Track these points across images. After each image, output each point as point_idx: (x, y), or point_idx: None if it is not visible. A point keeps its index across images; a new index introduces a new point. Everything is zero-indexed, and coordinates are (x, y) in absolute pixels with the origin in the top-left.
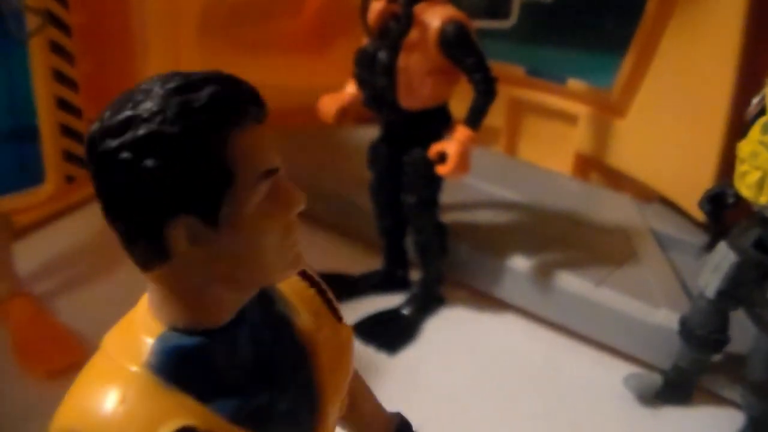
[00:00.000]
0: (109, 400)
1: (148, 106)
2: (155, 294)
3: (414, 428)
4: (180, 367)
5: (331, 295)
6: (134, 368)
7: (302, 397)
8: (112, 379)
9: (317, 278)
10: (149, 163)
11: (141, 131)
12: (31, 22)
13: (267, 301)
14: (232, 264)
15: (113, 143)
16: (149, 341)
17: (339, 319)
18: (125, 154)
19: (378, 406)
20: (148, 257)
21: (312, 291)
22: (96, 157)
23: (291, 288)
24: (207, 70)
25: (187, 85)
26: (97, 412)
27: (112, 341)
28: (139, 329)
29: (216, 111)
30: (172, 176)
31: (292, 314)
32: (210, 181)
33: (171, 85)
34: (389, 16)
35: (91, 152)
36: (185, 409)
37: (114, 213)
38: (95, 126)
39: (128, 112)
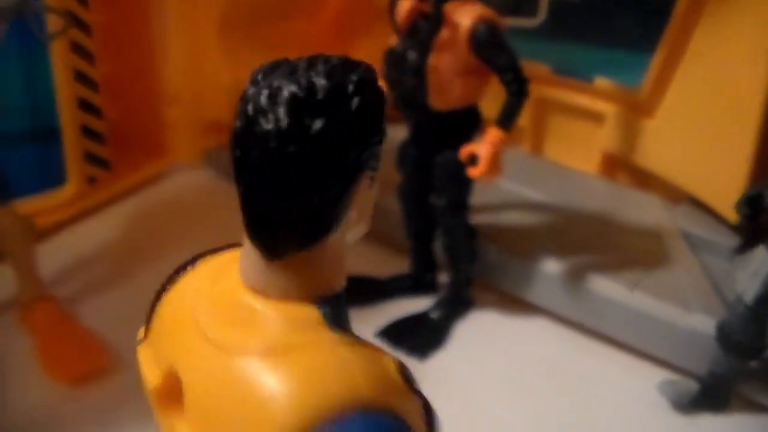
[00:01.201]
0: (351, 363)
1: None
2: (303, 272)
3: None
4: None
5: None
6: (327, 335)
7: None
8: (328, 350)
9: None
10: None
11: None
12: (53, 23)
13: None
14: (360, 220)
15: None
16: (315, 312)
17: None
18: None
19: None
20: (320, 226)
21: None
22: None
23: None
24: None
25: (346, 65)
26: (355, 375)
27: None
28: (282, 313)
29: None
30: (372, 134)
31: None
32: (380, 134)
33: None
34: (418, 15)
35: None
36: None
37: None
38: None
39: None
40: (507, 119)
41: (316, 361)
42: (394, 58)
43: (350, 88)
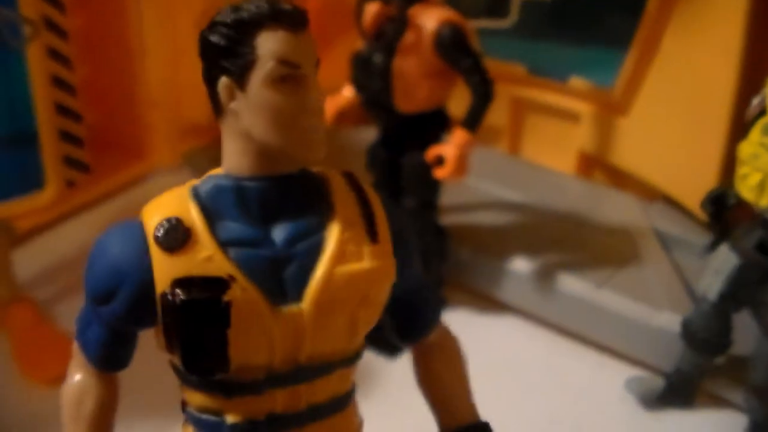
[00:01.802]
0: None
1: (226, 10)
2: (222, 146)
3: None
4: (208, 194)
5: (379, 216)
6: (186, 187)
7: (294, 277)
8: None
9: (369, 194)
10: (212, 37)
11: (215, 20)
12: (27, 30)
13: (311, 187)
14: (254, 121)
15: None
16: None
17: (374, 240)
18: (204, 32)
19: (462, 390)
20: (214, 108)
21: (355, 202)
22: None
23: (341, 191)
24: None
25: (246, 2)
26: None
27: None
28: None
29: (252, 16)
30: (221, 47)
31: (329, 210)
32: (240, 54)
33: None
34: (385, 19)
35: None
36: (187, 212)
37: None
38: None
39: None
40: (473, 121)
41: None
42: (360, 62)
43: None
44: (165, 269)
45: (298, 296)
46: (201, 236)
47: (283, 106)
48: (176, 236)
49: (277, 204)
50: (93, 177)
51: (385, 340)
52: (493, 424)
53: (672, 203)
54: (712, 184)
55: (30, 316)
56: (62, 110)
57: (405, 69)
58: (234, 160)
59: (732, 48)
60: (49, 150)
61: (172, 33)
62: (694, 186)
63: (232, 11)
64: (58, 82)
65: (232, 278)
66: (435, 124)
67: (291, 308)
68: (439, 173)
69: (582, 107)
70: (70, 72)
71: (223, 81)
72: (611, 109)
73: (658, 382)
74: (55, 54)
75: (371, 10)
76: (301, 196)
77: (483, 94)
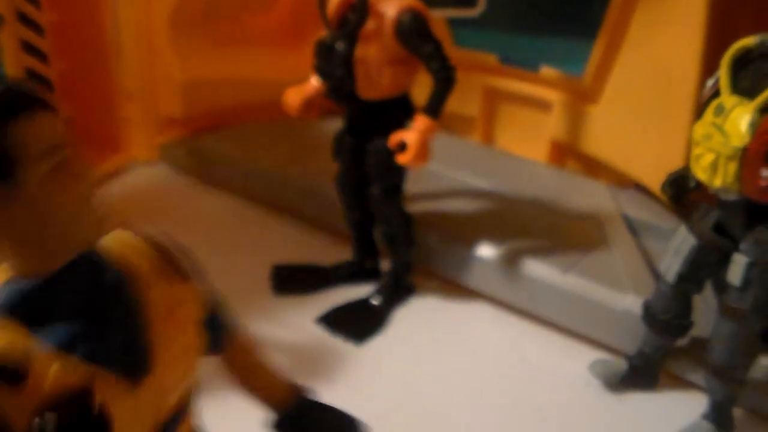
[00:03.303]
0: None
1: None
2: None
3: (366, 420)
4: (14, 304)
5: (174, 256)
6: None
7: (129, 346)
8: None
9: (158, 241)
10: None
11: None
12: None
13: (97, 261)
14: (36, 222)
15: None
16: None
17: (183, 278)
18: None
19: (273, 380)
20: None
21: (150, 251)
22: None
23: (127, 248)
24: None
25: None
26: None
27: None
28: None
29: None
30: None
31: (127, 273)
32: None
33: None
34: (347, 7)
35: None
36: (8, 336)
37: None
38: None
39: None
40: (434, 107)
41: None
42: (323, 50)
43: None
44: (16, 406)
45: (147, 370)
46: (36, 358)
47: (63, 196)
48: (10, 372)
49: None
50: None
51: (349, 325)
52: (459, 408)
53: (643, 190)
54: None
55: None
56: None
57: (367, 56)
58: (23, 263)
59: (694, 36)
60: None
61: (147, 27)
62: (661, 172)
63: None
64: (34, 77)
65: (91, 379)
66: (399, 111)
67: (148, 380)
68: (402, 159)
69: (553, 96)
70: (45, 66)
71: None
72: (582, 98)
73: (621, 365)
74: (30, 48)
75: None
76: (102, 280)
77: (444, 80)
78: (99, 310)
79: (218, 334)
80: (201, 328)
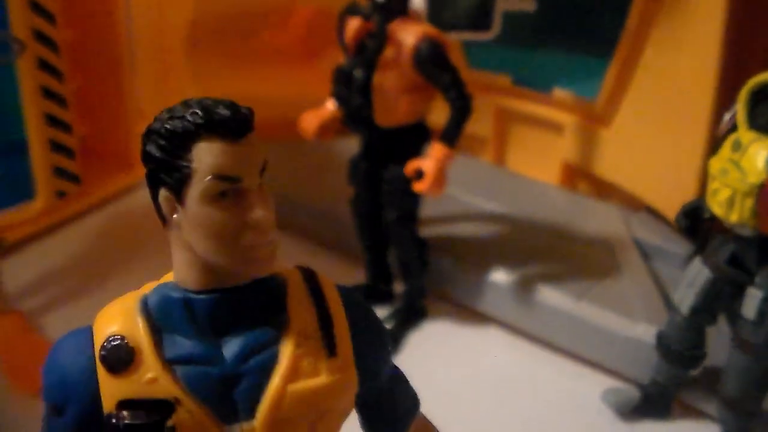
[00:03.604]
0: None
1: (163, 115)
2: (172, 256)
3: None
4: (157, 307)
5: (338, 323)
6: (137, 296)
7: (246, 395)
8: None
9: (328, 295)
10: (148, 147)
11: (151, 127)
12: (16, 47)
13: (265, 296)
14: (194, 237)
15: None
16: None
17: (331, 353)
18: (143, 138)
19: None
20: (159, 217)
21: (313, 311)
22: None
23: (298, 297)
24: (208, 98)
25: (183, 105)
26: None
27: None
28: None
29: (185, 128)
30: (157, 159)
31: (284, 321)
32: (175, 168)
33: (181, 104)
34: (365, 34)
35: None
36: (134, 328)
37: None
38: None
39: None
40: (451, 136)
41: None
42: (341, 76)
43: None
44: (110, 389)
45: (250, 415)
46: (146, 356)
47: (221, 223)
48: (120, 357)
49: (228, 318)
50: (83, 187)
51: None
52: None
53: (655, 213)
54: (691, 195)
55: (18, 328)
56: (53, 121)
57: (385, 84)
58: (182, 272)
59: (710, 61)
60: (40, 161)
61: (161, 45)
62: (674, 196)
63: (167, 118)
64: (49, 94)
65: (177, 401)
66: (415, 138)
67: (243, 427)
68: (418, 187)
69: (565, 118)
70: (60, 84)
71: (163, 193)
72: (594, 121)
73: (634, 393)
74: (45, 66)
75: (352, 25)
76: (253, 309)
77: (461, 109)
78: (235, 339)
79: (386, 419)
80: (342, 411)
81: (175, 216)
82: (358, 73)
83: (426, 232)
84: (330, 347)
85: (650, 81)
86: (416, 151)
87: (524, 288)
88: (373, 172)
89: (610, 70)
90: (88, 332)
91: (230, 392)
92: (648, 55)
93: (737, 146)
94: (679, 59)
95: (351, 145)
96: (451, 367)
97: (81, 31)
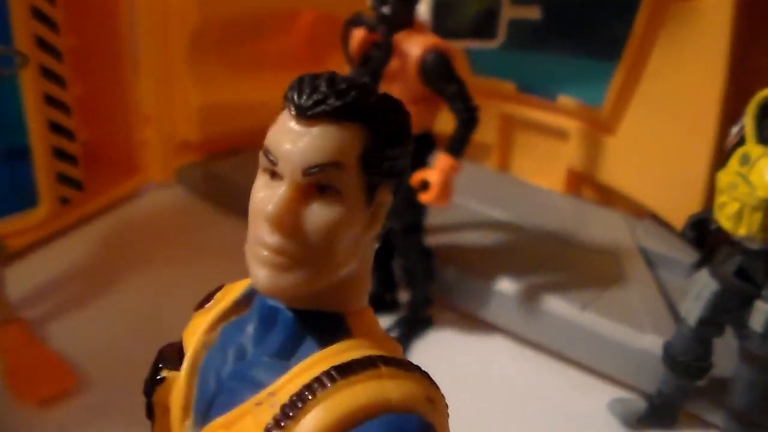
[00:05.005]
0: None
1: None
2: None
3: None
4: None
5: (298, 414)
6: None
7: (216, 406)
8: None
9: (328, 372)
10: None
11: None
12: (19, 60)
13: (311, 331)
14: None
15: None
16: None
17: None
18: None
19: None
20: None
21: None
22: None
23: (310, 368)
24: (335, 74)
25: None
26: None
27: None
28: None
29: (287, 91)
30: None
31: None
32: None
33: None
34: (370, 45)
35: None
36: (234, 288)
37: None
38: None
39: None
40: (457, 147)
41: None
42: None
43: None
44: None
45: (202, 423)
46: (213, 312)
47: (252, 199)
48: (207, 298)
49: (267, 330)
50: (86, 194)
51: None
52: None
53: (660, 221)
54: (697, 202)
55: (21, 337)
56: (56, 128)
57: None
58: None
59: (717, 68)
60: (43, 167)
61: (165, 51)
62: (680, 204)
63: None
64: (52, 101)
65: (170, 366)
66: (421, 149)
67: (193, 430)
68: (424, 198)
69: (570, 125)
70: (63, 90)
71: None
72: (599, 128)
73: (641, 404)
74: (48, 73)
75: (357, 36)
76: (289, 336)
77: (467, 121)
78: (256, 353)
79: None
80: None
81: None
82: None
83: (430, 240)
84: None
85: (656, 88)
86: (422, 162)
87: (529, 297)
88: None
89: (616, 77)
90: None
91: (213, 397)
92: (654, 62)
93: (745, 160)
94: (685, 66)
95: None
96: (456, 377)
97: (84, 38)
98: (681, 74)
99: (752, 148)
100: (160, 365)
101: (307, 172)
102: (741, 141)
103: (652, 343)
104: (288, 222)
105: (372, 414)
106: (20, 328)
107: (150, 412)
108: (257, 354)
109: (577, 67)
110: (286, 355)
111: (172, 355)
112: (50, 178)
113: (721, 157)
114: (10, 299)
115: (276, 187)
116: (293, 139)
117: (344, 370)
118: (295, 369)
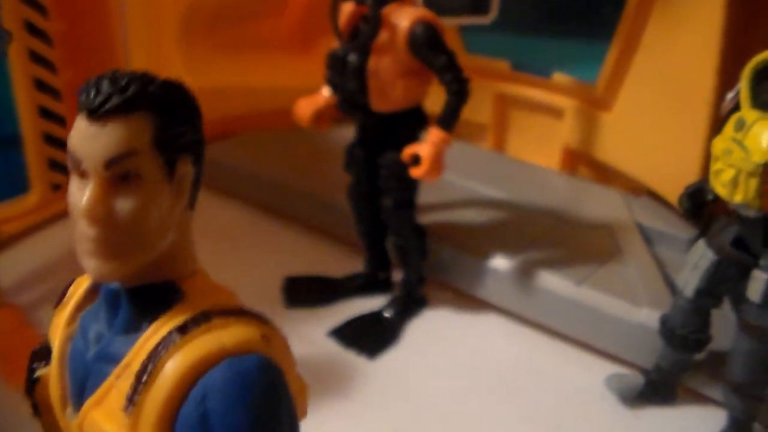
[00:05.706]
0: None
1: None
2: None
3: None
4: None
5: (150, 378)
6: None
7: (88, 390)
8: None
9: (152, 365)
10: None
11: None
12: (4, 38)
13: (151, 305)
14: None
15: None
16: None
17: (127, 407)
18: None
19: None
20: None
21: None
22: None
23: (154, 334)
24: (118, 71)
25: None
26: None
27: None
28: None
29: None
30: None
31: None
32: None
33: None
34: (359, 19)
35: None
36: (84, 281)
37: None
38: None
39: None
40: (448, 120)
41: None
42: (335, 62)
43: None
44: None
45: (78, 408)
46: (69, 305)
47: (70, 203)
48: (61, 296)
49: (115, 311)
50: None
51: (362, 338)
52: (473, 422)
53: (657, 198)
54: (694, 178)
55: (13, 322)
56: (46, 114)
57: (380, 68)
58: None
59: (711, 43)
60: (34, 154)
61: (156, 36)
62: (676, 180)
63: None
64: (42, 86)
65: (44, 364)
66: (412, 123)
67: (71, 418)
68: (415, 172)
69: (566, 103)
70: (53, 75)
71: None
72: (595, 105)
73: (638, 379)
74: (38, 58)
75: (346, 10)
76: (133, 312)
77: (457, 93)
78: (113, 336)
79: None
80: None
81: None
82: (352, 59)
83: (426, 219)
84: (130, 400)
85: (651, 63)
86: (413, 136)
87: (525, 274)
88: (370, 158)
89: (610, 54)
90: None
91: (84, 382)
92: (648, 37)
93: (741, 125)
94: (679, 40)
95: (347, 133)
96: (451, 355)
97: (74, 22)
98: (675, 49)
99: (747, 113)
100: (34, 366)
101: (107, 166)
102: (736, 107)
103: (649, 317)
104: (101, 213)
105: (213, 362)
106: (13, 314)
107: (36, 411)
108: (112, 334)
109: (571, 46)
110: (135, 328)
111: (43, 355)
112: (41, 164)
113: (717, 132)
114: (3, 285)
115: (86, 184)
116: (90, 139)
117: (181, 330)
118: (141, 339)
